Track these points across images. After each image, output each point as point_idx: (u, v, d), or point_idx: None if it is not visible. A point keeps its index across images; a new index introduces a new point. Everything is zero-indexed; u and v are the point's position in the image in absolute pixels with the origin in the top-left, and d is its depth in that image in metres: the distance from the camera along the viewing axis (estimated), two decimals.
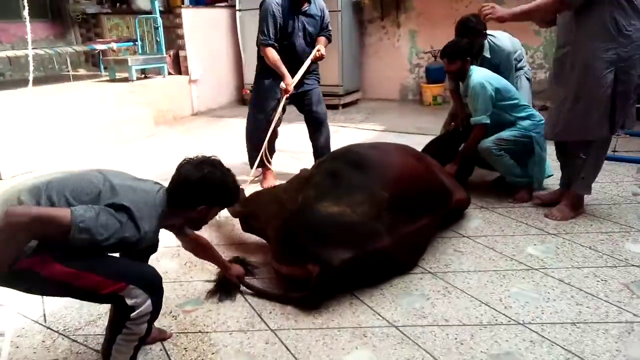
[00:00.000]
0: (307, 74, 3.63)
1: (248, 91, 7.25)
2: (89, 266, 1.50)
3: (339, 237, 2.17)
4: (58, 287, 1.52)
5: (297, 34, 3.53)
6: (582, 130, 2.75)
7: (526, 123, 3.19)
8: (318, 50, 3.54)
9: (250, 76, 7.18)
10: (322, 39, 3.64)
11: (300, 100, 3.71)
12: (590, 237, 2.74)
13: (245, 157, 3.86)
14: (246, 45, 6.98)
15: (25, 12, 4.68)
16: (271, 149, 3.79)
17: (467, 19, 3.38)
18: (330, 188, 2.35)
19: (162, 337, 1.99)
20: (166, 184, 1.72)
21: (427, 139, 3.76)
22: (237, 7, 6.94)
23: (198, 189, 1.66)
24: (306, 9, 3.52)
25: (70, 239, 1.41)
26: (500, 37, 3.57)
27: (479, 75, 3.18)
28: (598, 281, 2.30)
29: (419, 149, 3.46)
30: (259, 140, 3.63)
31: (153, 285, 1.60)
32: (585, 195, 3.02)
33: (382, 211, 2.28)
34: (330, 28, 3.71)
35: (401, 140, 4.02)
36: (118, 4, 8.35)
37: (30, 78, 3.99)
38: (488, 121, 3.15)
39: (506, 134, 3.18)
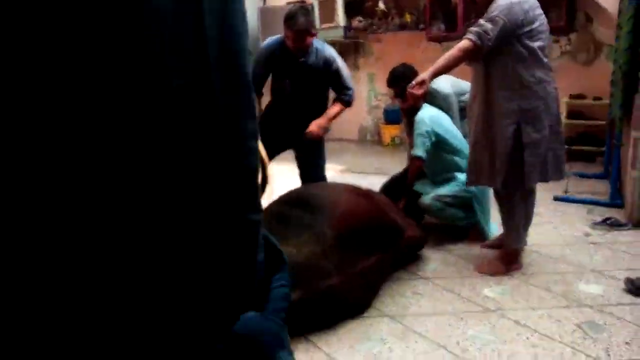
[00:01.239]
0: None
1: None
2: None
3: (290, 279, 2.11)
4: None
5: (294, 86, 3.27)
6: (490, 179, 2.73)
7: (464, 176, 3.09)
8: (309, 132, 3.25)
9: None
10: (333, 107, 3.34)
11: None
12: (545, 278, 2.76)
13: None
14: None
15: None
16: None
17: (394, 69, 3.43)
18: (277, 230, 2.28)
19: None
20: None
21: (386, 179, 3.77)
22: None
23: None
24: (303, 60, 3.21)
25: None
26: (437, 81, 3.52)
27: (425, 112, 3.25)
28: (552, 322, 2.30)
29: (377, 188, 3.48)
30: None
31: None
32: (522, 242, 2.88)
33: (329, 249, 2.26)
34: (347, 87, 3.29)
35: (361, 180, 4.03)
36: None
37: None
38: (421, 154, 3.17)
39: (444, 189, 3.21)
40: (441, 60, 2.65)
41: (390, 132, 6.78)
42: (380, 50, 6.93)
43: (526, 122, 2.57)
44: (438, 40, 6.13)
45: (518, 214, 2.77)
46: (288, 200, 2.61)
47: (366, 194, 2.89)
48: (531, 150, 2.58)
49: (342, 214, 2.44)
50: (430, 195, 3.21)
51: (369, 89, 7.15)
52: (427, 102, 3.45)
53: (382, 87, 7.01)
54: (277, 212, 2.47)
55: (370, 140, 7.23)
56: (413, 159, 3.25)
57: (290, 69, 3.26)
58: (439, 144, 3.22)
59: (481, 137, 2.71)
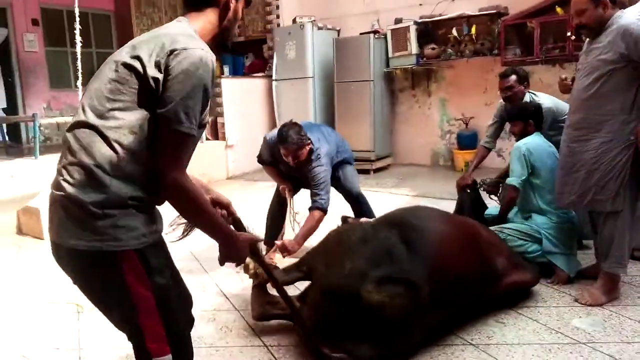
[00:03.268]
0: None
1: None
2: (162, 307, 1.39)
3: (370, 332, 2.10)
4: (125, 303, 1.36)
5: (289, 172, 3.60)
6: (593, 198, 2.68)
7: (540, 220, 3.02)
8: (274, 250, 3.34)
9: None
10: (306, 222, 3.35)
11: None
12: (638, 309, 2.63)
13: None
14: (281, 113, 7.25)
15: (79, 83, 5.03)
16: (279, 229, 3.73)
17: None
18: (378, 262, 2.19)
19: None
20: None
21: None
22: (273, 77, 7.28)
23: None
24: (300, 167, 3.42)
25: None
26: (540, 94, 3.62)
27: (526, 139, 3.12)
28: None
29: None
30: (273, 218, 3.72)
31: None
32: (625, 268, 2.76)
33: (420, 307, 2.15)
34: (317, 192, 3.32)
35: (434, 205, 4.01)
36: None
37: None
38: (516, 184, 3.02)
39: (512, 225, 3.08)
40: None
41: (464, 157, 6.70)
42: (453, 76, 6.92)
43: None
44: (513, 64, 6.03)
45: (621, 237, 2.68)
46: (396, 225, 2.38)
47: (472, 232, 2.65)
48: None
49: (444, 264, 2.27)
50: (500, 225, 3.10)
51: (441, 114, 7.13)
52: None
53: (454, 112, 6.98)
54: (384, 239, 2.30)
55: (444, 165, 7.17)
56: (508, 188, 3.10)
57: (298, 174, 3.54)
58: (534, 178, 3.05)
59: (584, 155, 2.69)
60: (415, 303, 2.12)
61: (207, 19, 1.50)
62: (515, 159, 3.06)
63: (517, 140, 3.20)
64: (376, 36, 6.81)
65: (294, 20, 7.25)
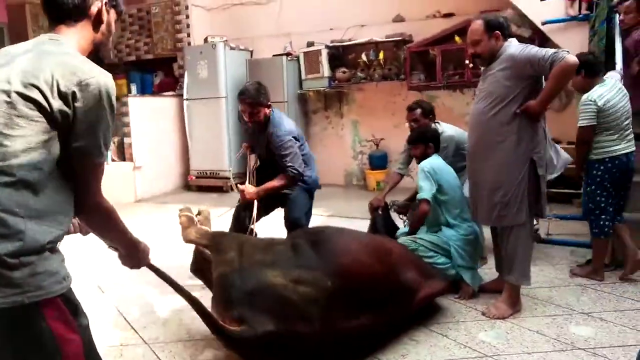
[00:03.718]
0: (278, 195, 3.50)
1: (193, 177, 7.24)
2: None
3: (272, 308, 2.17)
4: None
5: (260, 154, 3.66)
6: (488, 215, 2.92)
7: (449, 232, 3.18)
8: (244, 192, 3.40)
9: (196, 162, 7.23)
10: (275, 179, 3.41)
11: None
12: (536, 321, 2.83)
13: (183, 251, 3.70)
14: (192, 132, 7.08)
15: None
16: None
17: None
18: (286, 260, 2.38)
19: None
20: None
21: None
22: (184, 96, 7.10)
23: None
24: (261, 132, 3.50)
25: None
26: (443, 124, 3.85)
27: (428, 160, 3.28)
28: None
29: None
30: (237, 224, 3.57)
31: None
32: (528, 279, 2.98)
33: (322, 298, 2.24)
34: (285, 164, 3.35)
35: (347, 224, 4.08)
36: None
37: None
38: (428, 197, 3.12)
39: (424, 235, 3.22)
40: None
41: (376, 177, 6.92)
42: (363, 99, 7.16)
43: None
44: (418, 89, 6.38)
45: (524, 249, 2.89)
46: (307, 233, 2.66)
47: (384, 249, 2.73)
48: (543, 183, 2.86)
49: (347, 268, 2.38)
50: (410, 236, 3.23)
51: (353, 135, 7.33)
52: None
53: (365, 133, 7.20)
54: (295, 242, 2.52)
55: (356, 185, 7.35)
56: (420, 203, 3.18)
57: (256, 140, 3.60)
58: (440, 195, 3.20)
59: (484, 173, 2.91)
60: (317, 293, 2.23)
61: (81, 34, 1.39)
62: (423, 178, 3.22)
63: (418, 162, 3.39)
64: (289, 58, 6.89)
65: (206, 40, 7.15)
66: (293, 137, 3.43)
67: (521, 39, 5.01)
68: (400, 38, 6.51)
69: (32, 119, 1.20)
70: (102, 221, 1.40)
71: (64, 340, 1.23)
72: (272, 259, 2.39)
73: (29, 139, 1.19)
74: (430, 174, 3.19)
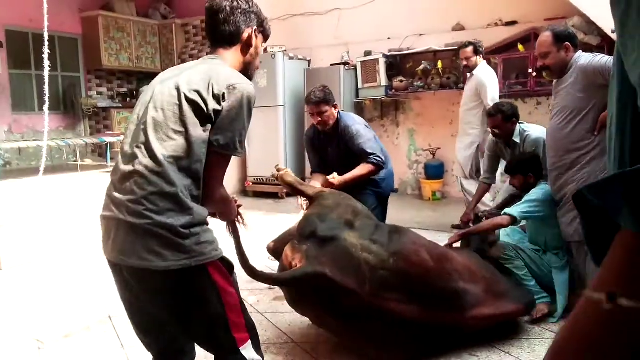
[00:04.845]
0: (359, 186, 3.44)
1: (250, 183, 7.42)
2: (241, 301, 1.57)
3: (334, 256, 2.29)
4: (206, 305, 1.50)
5: (331, 158, 3.60)
6: None
7: (553, 258, 3.03)
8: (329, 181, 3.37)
9: (253, 169, 7.41)
10: (359, 167, 3.39)
11: None
12: None
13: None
14: (251, 139, 7.26)
15: (46, 107, 4.90)
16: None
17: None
18: (367, 230, 2.49)
19: None
20: None
21: (426, 234, 3.75)
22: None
23: (232, 13, 1.65)
24: (330, 132, 3.52)
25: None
26: (528, 125, 3.70)
27: (543, 191, 3.03)
28: None
29: None
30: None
31: (260, 348, 1.62)
32: None
33: (380, 269, 2.31)
34: (366, 152, 3.35)
35: None
36: (129, 99, 8.76)
37: (42, 168, 4.10)
38: (515, 214, 2.92)
39: (528, 250, 3.04)
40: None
41: (432, 187, 6.84)
42: (420, 107, 7.11)
43: None
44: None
45: None
46: (393, 226, 2.74)
47: (445, 255, 2.66)
48: None
49: (407, 253, 2.43)
50: (515, 239, 3.13)
51: (409, 144, 7.29)
52: (516, 142, 3.51)
53: (422, 142, 7.15)
54: (379, 224, 2.68)
55: (411, 194, 7.29)
56: (504, 214, 2.97)
57: (325, 144, 3.60)
58: (548, 227, 3.04)
59: None
60: (380, 265, 2.33)
61: (234, 55, 1.68)
62: (527, 199, 3.00)
63: (520, 193, 3.19)
64: (346, 67, 6.96)
65: (265, 50, 7.33)
66: (366, 126, 3.51)
67: (589, 47, 4.86)
68: (459, 47, 6.41)
69: (195, 117, 1.47)
70: (226, 209, 1.71)
71: (225, 293, 1.49)
72: (357, 224, 2.52)
73: (197, 133, 1.46)
74: (536, 201, 2.98)
